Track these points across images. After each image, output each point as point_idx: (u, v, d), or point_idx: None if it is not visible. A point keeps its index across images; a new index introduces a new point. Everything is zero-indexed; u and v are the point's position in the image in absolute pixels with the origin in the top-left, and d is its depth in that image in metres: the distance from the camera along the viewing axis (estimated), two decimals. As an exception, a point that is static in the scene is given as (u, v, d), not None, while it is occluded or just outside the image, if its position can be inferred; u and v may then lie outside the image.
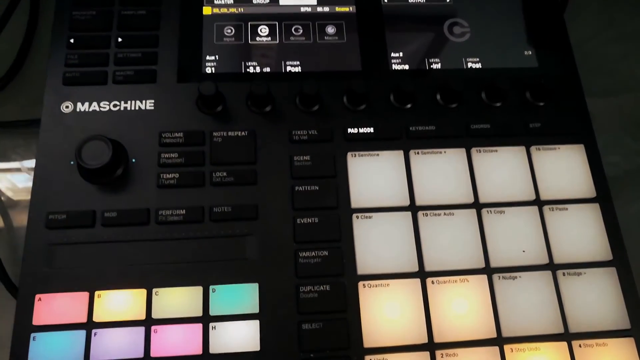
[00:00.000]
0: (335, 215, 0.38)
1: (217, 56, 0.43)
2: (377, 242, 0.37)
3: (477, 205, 0.39)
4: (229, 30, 0.44)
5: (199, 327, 0.35)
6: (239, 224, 0.37)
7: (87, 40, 0.42)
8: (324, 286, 0.36)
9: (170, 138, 0.39)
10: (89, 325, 0.34)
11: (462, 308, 0.36)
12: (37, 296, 0.35)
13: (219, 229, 0.37)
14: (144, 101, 0.41)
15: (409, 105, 0.42)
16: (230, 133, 0.40)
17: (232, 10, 0.45)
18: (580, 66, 0.45)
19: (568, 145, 0.41)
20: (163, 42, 0.42)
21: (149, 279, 0.36)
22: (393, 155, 0.40)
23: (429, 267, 0.37)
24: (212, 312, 0.35)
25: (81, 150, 0.37)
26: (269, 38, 0.44)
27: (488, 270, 0.37)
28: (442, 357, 0.35)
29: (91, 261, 0.36)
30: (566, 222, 0.39)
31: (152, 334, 0.35)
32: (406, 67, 0.44)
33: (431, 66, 0.44)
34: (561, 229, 0.39)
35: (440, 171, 0.40)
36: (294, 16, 0.45)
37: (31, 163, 0.47)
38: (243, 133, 0.40)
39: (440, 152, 0.40)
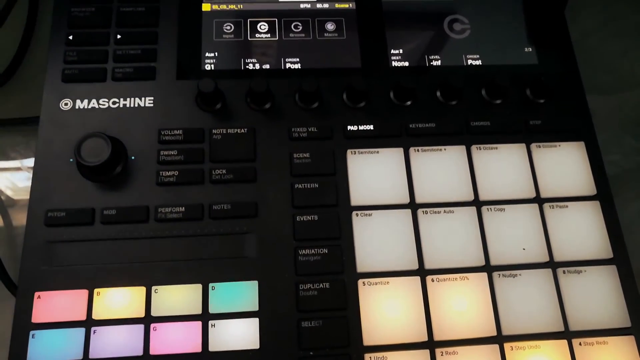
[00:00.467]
0: (335, 212, 0.38)
1: (216, 53, 0.43)
2: (376, 240, 0.37)
3: (477, 203, 0.39)
4: (229, 27, 0.44)
5: (198, 324, 0.35)
6: (239, 221, 0.37)
7: (86, 37, 0.42)
8: (324, 284, 0.36)
9: (169, 135, 0.39)
10: (88, 323, 0.35)
11: (462, 306, 0.36)
12: (37, 294, 0.35)
13: (219, 226, 0.37)
14: (143, 98, 0.40)
15: (408, 103, 0.42)
16: (229, 130, 0.40)
17: (232, 6, 0.44)
18: (580, 63, 0.45)
19: (568, 142, 0.41)
20: (162, 39, 0.42)
21: (149, 277, 0.36)
22: (393, 152, 0.40)
23: (428, 265, 0.37)
24: (212, 309, 0.35)
25: (80, 147, 0.37)
26: (269, 35, 0.44)
27: (488, 268, 0.37)
28: (442, 355, 0.35)
29: (90, 259, 0.36)
30: (566, 220, 0.39)
31: (152, 331, 0.35)
32: (406, 64, 0.43)
33: (431, 63, 0.44)
34: (561, 227, 0.39)
35: (440, 169, 0.40)
36: (293, 13, 0.45)
37: (31, 161, 0.46)
38: (242, 130, 0.40)
39: (440, 150, 0.40)
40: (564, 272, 0.38)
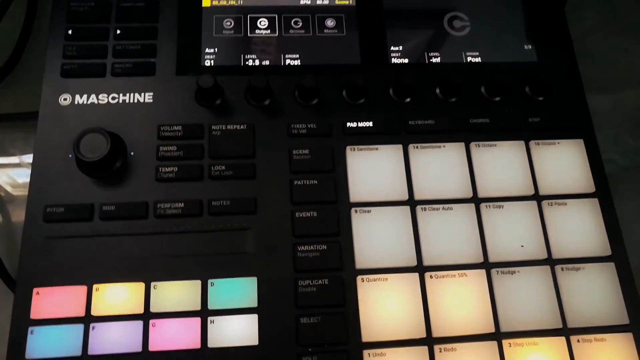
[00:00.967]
0: (334, 209, 0.38)
1: (216, 49, 0.43)
2: (375, 237, 0.37)
3: (476, 200, 0.39)
4: (229, 23, 0.44)
5: (197, 321, 0.35)
6: (238, 217, 0.37)
7: (85, 32, 0.42)
8: (323, 280, 0.36)
9: (168, 131, 0.39)
10: (87, 319, 0.34)
11: (460, 303, 0.36)
12: (35, 290, 0.35)
13: (218, 222, 0.37)
14: (142, 94, 0.40)
15: (408, 99, 0.42)
16: (229, 126, 0.40)
17: (232, 2, 0.44)
18: (580, 61, 0.45)
19: (567, 140, 0.41)
20: (162, 34, 0.42)
21: (148, 273, 0.36)
22: (392, 149, 0.40)
23: (427, 261, 0.37)
24: (211, 306, 0.35)
25: (79, 143, 0.36)
26: (269, 31, 0.44)
27: (486, 265, 0.37)
28: (440, 351, 0.35)
29: (89, 255, 0.36)
30: (565, 217, 0.39)
31: (151, 327, 0.34)
32: (406, 60, 0.43)
33: (431, 60, 0.44)
34: (560, 224, 0.39)
35: (439, 165, 0.40)
36: (293, 9, 0.44)
37: (30, 157, 0.46)
38: (242, 126, 0.40)
39: (439, 147, 0.40)
40: (562, 269, 0.38)
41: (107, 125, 0.39)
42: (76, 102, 0.40)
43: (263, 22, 0.44)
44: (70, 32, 0.41)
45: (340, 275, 0.36)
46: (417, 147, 0.40)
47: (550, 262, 0.38)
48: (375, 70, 0.43)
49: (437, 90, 0.42)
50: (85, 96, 0.40)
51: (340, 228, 0.38)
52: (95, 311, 0.35)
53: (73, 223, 0.36)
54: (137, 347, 0.34)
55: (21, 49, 0.49)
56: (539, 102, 0.42)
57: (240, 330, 0.35)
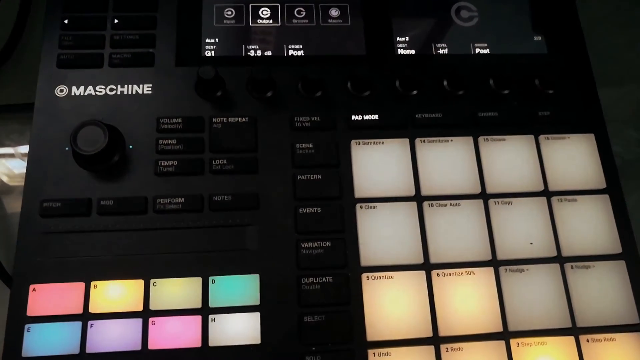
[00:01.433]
0: (339, 205, 0.37)
1: (217, 39, 0.41)
2: (381, 233, 0.37)
3: (484, 196, 0.38)
4: (229, 12, 0.42)
5: (198, 319, 0.34)
6: (240, 213, 0.36)
7: (81, 21, 0.41)
8: (327, 278, 0.35)
9: (168, 124, 0.38)
10: (85, 317, 0.34)
11: (467, 301, 0.35)
12: (32, 286, 0.34)
13: (219, 218, 0.36)
14: (141, 85, 0.39)
15: (414, 92, 0.41)
16: (230, 119, 0.39)
17: (233, -9, 0.43)
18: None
19: (578, 134, 0.40)
20: (161, 23, 0.41)
21: (147, 269, 0.35)
22: (398, 143, 0.39)
23: (434, 259, 0.36)
24: (212, 303, 0.34)
25: (76, 136, 0.35)
26: (271, 20, 0.42)
27: (495, 263, 0.37)
28: (447, 351, 0.34)
29: (87, 251, 0.35)
30: (575, 214, 0.38)
31: (150, 325, 0.34)
32: (412, 52, 0.42)
33: (438, 51, 0.42)
34: (570, 221, 0.38)
35: (447, 160, 0.39)
36: (296, -2, 0.43)
37: (25, 148, 0.45)
38: (243, 119, 0.39)
39: (447, 141, 0.39)
40: (572, 267, 0.37)
41: (104, 117, 0.38)
42: (73, 94, 0.39)
43: (265, 12, 0.43)
44: (66, 21, 0.40)
45: (344, 272, 0.36)
46: (424, 142, 0.39)
47: (559, 260, 0.37)
48: (381, 61, 0.42)
49: (445, 83, 0.41)
50: (82, 87, 0.39)
51: (344, 224, 0.37)
52: (93, 308, 0.34)
53: (70, 218, 0.36)
54: (136, 346, 0.33)
55: (17, 39, 0.48)
56: (548, 96, 0.41)
57: (242, 329, 0.34)
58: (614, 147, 0.42)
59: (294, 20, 0.42)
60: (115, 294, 0.34)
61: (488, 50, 0.43)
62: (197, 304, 0.34)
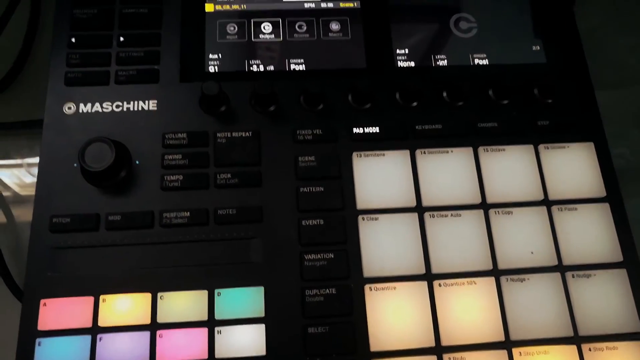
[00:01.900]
0: (341, 216, 0.38)
1: (220, 54, 0.42)
2: (383, 244, 0.37)
3: (485, 206, 0.39)
4: (232, 28, 0.43)
5: (204, 331, 0.35)
6: (244, 226, 0.37)
7: (88, 39, 0.41)
8: (330, 289, 0.36)
9: (173, 139, 0.39)
10: (94, 330, 0.34)
11: (469, 311, 0.36)
12: (42, 301, 0.35)
13: (224, 231, 0.37)
14: (146, 101, 0.40)
15: (414, 104, 0.41)
16: (234, 134, 0.39)
17: (235, 7, 0.44)
18: (587, 58, 0.44)
19: (577, 143, 0.41)
20: (165, 40, 0.42)
21: (154, 283, 0.36)
22: (399, 155, 0.39)
23: (436, 269, 0.37)
24: (218, 316, 0.35)
25: (84, 152, 0.36)
26: (272, 35, 0.43)
27: (496, 272, 0.37)
28: (449, 360, 0.35)
29: (95, 265, 0.36)
30: (575, 223, 0.38)
31: (158, 338, 0.34)
32: (412, 64, 0.43)
33: (437, 63, 0.43)
34: (570, 230, 0.38)
35: (447, 171, 0.39)
36: (297, 12, 0.44)
37: (34, 163, 0.46)
38: (247, 134, 0.39)
39: (447, 152, 0.40)
40: (573, 276, 0.37)
41: (111, 133, 0.38)
42: (80, 111, 0.39)
43: (267, 27, 0.43)
44: (73, 39, 0.41)
45: (347, 284, 0.36)
46: (424, 153, 0.40)
47: (560, 268, 0.37)
48: (381, 74, 0.42)
49: (444, 94, 0.41)
50: (89, 104, 0.40)
51: (347, 236, 0.37)
52: (102, 322, 0.35)
53: (79, 233, 0.36)
54: (144, 358, 0.34)
55: (25, 57, 0.49)
56: (548, 105, 0.42)
57: (248, 340, 0.35)
58: (617, 150, 0.43)
59: (295, 35, 0.43)
60: (124, 307, 0.35)
61: (487, 60, 0.43)
62: (204, 316, 0.35)
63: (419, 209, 0.38)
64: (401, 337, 0.35)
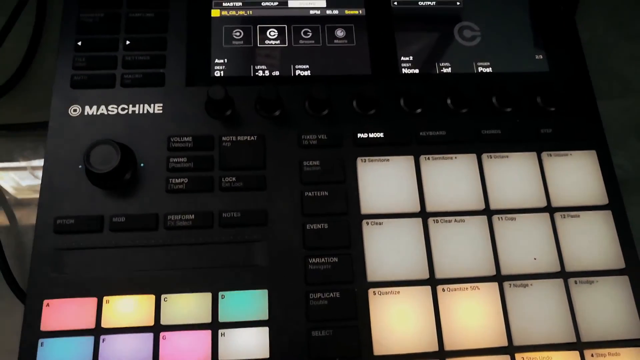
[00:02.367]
0: (345, 221, 0.38)
1: (225, 59, 0.43)
2: (387, 249, 0.37)
3: (488, 212, 0.39)
4: (238, 33, 0.43)
5: (208, 333, 0.35)
6: (248, 229, 0.37)
7: (94, 42, 0.42)
8: (334, 293, 0.36)
9: (179, 142, 0.39)
10: (97, 331, 0.34)
11: (472, 316, 0.36)
12: (45, 302, 0.35)
13: (228, 234, 0.37)
14: (152, 105, 0.40)
15: (419, 110, 0.41)
16: (239, 138, 0.39)
17: (241, 12, 0.44)
18: (588, 67, 0.44)
19: (580, 151, 0.41)
20: (171, 44, 0.42)
21: (158, 285, 0.36)
22: (403, 160, 0.40)
23: (439, 274, 0.37)
24: (222, 318, 0.35)
25: (89, 154, 0.36)
26: (278, 41, 0.43)
27: (499, 278, 0.37)
28: (452, 365, 0.35)
29: (99, 266, 0.36)
30: (578, 229, 0.39)
31: (161, 340, 0.34)
32: (416, 71, 0.43)
33: (441, 70, 0.43)
34: (573, 236, 0.38)
35: (451, 177, 0.39)
36: (303, 19, 0.44)
37: (39, 164, 0.46)
38: (252, 138, 0.40)
39: (451, 158, 0.40)
40: (575, 282, 0.37)
41: (116, 136, 0.38)
42: (86, 113, 0.40)
43: (273, 33, 0.44)
44: (79, 43, 0.41)
45: (351, 288, 0.36)
46: (428, 159, 0.40)
47: (563, 275, 0.37)
48: (386, 80, 0.43)
49: (448, 101, 0.42)
50: (95, 107, 0.40)
51: (351, 240, 0.37)
52: (105, 323, 0.35)
53: (83, 235, 0.36)
54: (147, 360, 0.34)
55: (30, 59, 0.49)
56: (550, 113, 0.42)
57: (251, 343, 0.35)
58: (616, 159, 0.43)
59: (301, 41, 0.44)
60: (127, 309, 0.35)
61: (490, 68, 0.44)
62: (207, 319, 0.35)
63: (423, 215, 0.38)
64: (404, 342, 0.35)
